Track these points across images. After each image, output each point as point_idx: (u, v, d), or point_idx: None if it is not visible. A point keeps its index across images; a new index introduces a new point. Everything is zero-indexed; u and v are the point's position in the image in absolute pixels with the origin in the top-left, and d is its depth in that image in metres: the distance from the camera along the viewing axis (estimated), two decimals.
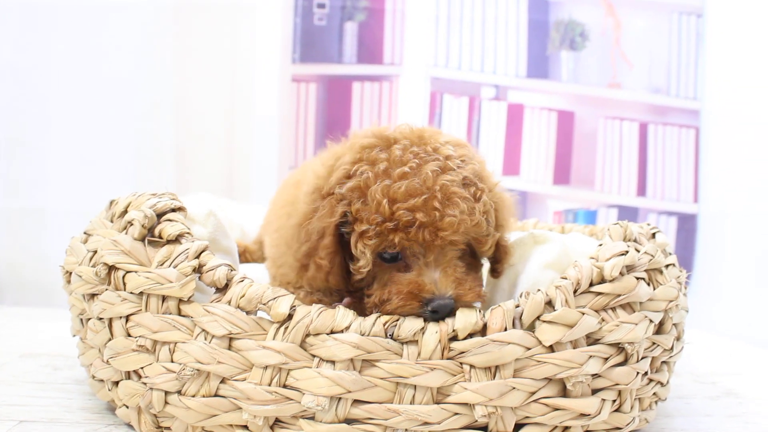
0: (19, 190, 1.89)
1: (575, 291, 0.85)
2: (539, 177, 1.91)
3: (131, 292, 0.87)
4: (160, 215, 0.90)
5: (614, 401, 0.88)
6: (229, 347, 0.83)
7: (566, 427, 0.85)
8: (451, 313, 0.85)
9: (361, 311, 0.88)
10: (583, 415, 0.84)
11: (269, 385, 0.81)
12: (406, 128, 0.94)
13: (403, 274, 0.89)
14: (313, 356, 0.81)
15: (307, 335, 0.82)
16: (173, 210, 0.92)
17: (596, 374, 0.85)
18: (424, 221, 0.86)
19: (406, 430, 0.81)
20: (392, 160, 0.89)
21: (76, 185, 1.88)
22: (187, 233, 0.89)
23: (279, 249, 1.04)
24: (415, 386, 0.81)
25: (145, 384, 0.87)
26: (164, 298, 0.86)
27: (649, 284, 0.90)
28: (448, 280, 0.87)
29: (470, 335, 0.82)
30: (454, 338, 0.82)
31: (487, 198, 0.90)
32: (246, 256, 1.37)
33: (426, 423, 0.80)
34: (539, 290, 0.85)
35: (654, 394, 0.96)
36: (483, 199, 0.89)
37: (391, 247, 0.88)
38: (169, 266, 0.86)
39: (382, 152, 0.90)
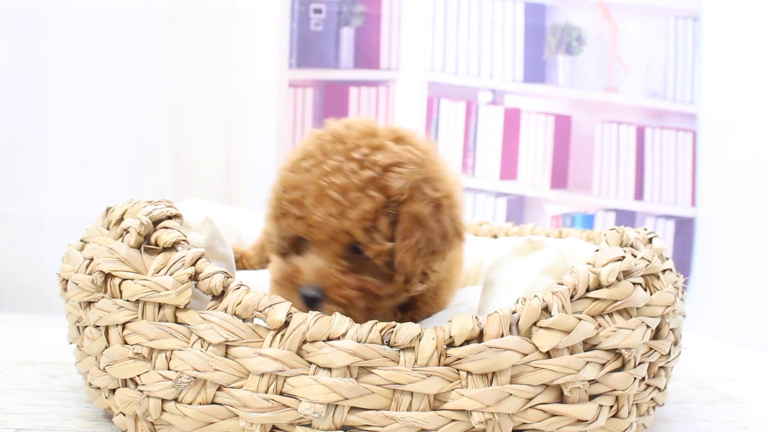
0: (16, 196, 1.89)
1: (572, 297, 0.84)
2: (536, 181, 1.91)
3: (127, 300, 0.87)
4: (156, 223, 0.90)
5: (611, 407, 0.87)
6: (226, 354, 0.83)
7: None
8: (317, 304, 0.90)
9: None
10: (580, 420, 0.84)
11: (266, 392, 0.81)
12: (365, 123, 0.96)
13: (297, 257, 0.95)
14: (310, 363, 0.81)
15: (304, 342, 0.82)
16: (169, 217, 0.92)
17: (593, 380, 0.85)
18: (298, 215, 0.92)
19: None
20: (306, 153, 0.94)
21: (74, 191, 1.88)
22: (183, 241, 0.89)
23: None
24: (411, 393, 0.80)
25: (141, 392, 0.86)
26: (160, 306, 0.86)
27: (645, 289, 0.90)
28: (318, 273, 0.91)
29: (467, 341, 0.82)
30: (451, 345, 0.81)
31: (371, 206, 0.90)
32: (243, 262, 1.37)
33: (423, 430, 0.80)
34: (536, 296, 0.84)
35: (651, 399, 0.96)
36: (364, 207, 0.89)
37: (282, 230, 0.95)
38: (165, 274, 0.86)
39: (310, 144, 0.95)
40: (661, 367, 0.96)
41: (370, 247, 0.91)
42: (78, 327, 0.98)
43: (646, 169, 1.91)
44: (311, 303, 0.90)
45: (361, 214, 0.89)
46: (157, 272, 0.86)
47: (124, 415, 0.90)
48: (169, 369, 0.85)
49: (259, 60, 1.90)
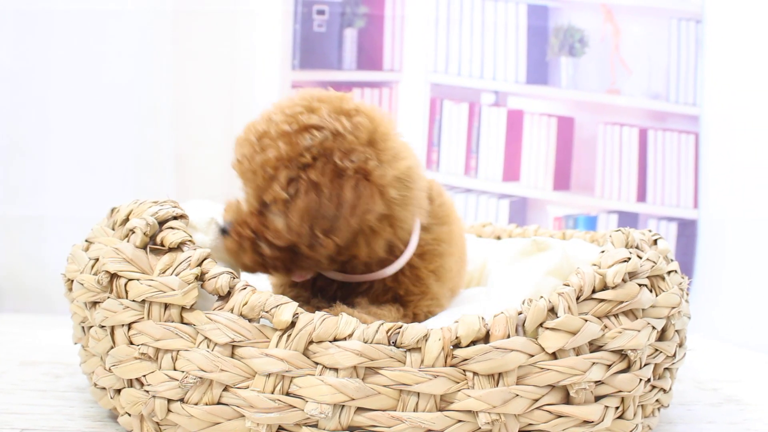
0: (18, 197, 1.88)
1: (578, 298, 0.85)
2: (539, 183, 1.91)
3: (133, 300, 0.87)
4: (161, 223, 0.90)
5: (617, 408, 0.87)
6: (232, 355, 0.83)
7: None
8: (226, 234, 0.99)
9: None
10: (586, 422, 0.84)
11: (272, 392, 0.81)
12: (336, 95, 1.01)
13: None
14: (316, 364, 0.81)
15: (310, 342, 0.82)
16: (175, 218, 0.92)
17: (599, 381, 0.85)
18: (234, 157, 1.01)
19: None
20: (271, 110, 1.00)
21: (76, 192, 1.88)
22: (189, 241, 0.89)
23: None
24: (418, 393, 0.81)
25: (147, 392, 0.86)
26: (166, 306, 0.86)
27: (651, 291, 0.90)
28: (230, 206, 1.02)
29: (473, 342, 0.82)
30: (457, 345, 0.81)
31: (272, 158, 0.94)
32: None
33: (429, 430, 0.80)
34: (542, 297, 0.85)
35: (657, 401, 0.96)
36: (266, 156, 0.95)
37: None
38: (171, 274, 0.86)
39: (279, 103, 1.01)
40: (666, 369, 0.96)
41: (267, 191, 0.95)
42: (83, 327, 0.98)
43: (649, 171, 1.91)
44: (222, 232, 1.00)
45: (265, 159, 0.95)
46: (163, 272, 0.86)
47: (129, 415, 0.90)
48: (175, 369, 0.85)
49: (261, 61, 1.90)
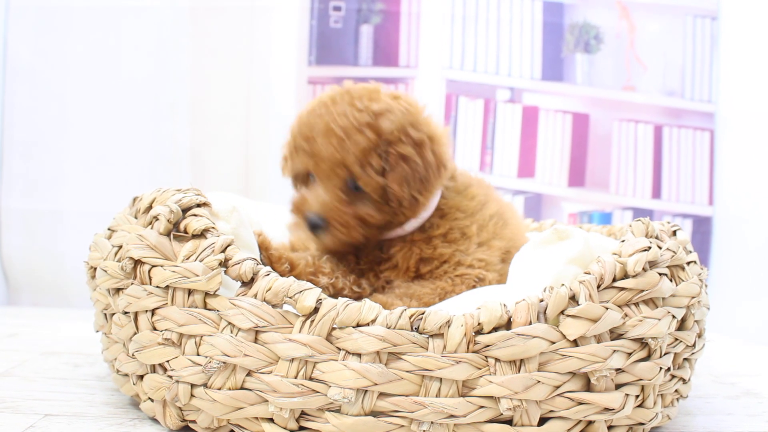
0: (36, 191, 1.90)
1: (599, 286, 0.85)
2: (554, 179, 1.91)
3: (157, 286, 0.88)
4: (185, 210, 0.91)
5: (637, 396, 0.88)
6: (255, 340, 0.84)
7: (590, 422, 0.85)
8: (318, 229, 1.10)
9: None
10: (607, 409, 0.84)
11: (295, 377, 0.82)
12: (371, 85, 1.14)
13: (305, 190, 1.14)
14: (339, 349, 0.82)
15: (333, 328, 0.82)
16: (198, 205, 0.93)
17: (620, 369, 0.85)
18: (309, 149, 1.10)
19: (431, 422, 0.81)
20: (319, 101, 1.12)
21: (93, 186, 1.89)
22: (212, 228, 0.90)
23: None
24: (440, 379, 0.81)
25: (170, 377, 0.87)
26: (190, 292, 0.87)
27: (671, 280, 0.90)
28: (319, 201, 1.10)
29: (495, 329, 0.82)
30: (479, 331, 0.82)
31: (367, 142, 1.07)
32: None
33: (451, 416, 0.81)
34: (563, 285, 0.85)
35: (676, 391, 0.96)
36: (362, 144, 1.07)
37: (294, 165, 1.14)
38: (195, 260, 0.86)
39: (325, 95, 1.13)
40: (685, 359, 0.96)
41: (364, 179, 1.08)
42: (105, 314, 0.99)
43: (664, 168, 1.91)
44: (315, 229, 1.10)
45: (357, 149, 1.07)
46: (187, 258, 0.87)
47: (152, 400, 0.91)
48: (198, 354, 0.85)
49: (278, 57, 1.91)
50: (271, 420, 0.84)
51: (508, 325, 0.82)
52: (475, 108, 1.92)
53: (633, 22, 1.91)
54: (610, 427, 0.88)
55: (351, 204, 1.10)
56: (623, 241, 0.91)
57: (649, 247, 0.89)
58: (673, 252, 0.91)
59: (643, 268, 0.87)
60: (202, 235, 0.89)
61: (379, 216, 1.11)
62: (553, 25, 1.90)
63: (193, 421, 0.88)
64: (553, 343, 0.83)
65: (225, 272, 0.87)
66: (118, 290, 0.93)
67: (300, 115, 1.14)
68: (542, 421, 0.84)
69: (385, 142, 1.08)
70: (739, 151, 1.89)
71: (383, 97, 1.11)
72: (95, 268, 0.99)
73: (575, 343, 0.83)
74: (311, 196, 1.11)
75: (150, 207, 0.94)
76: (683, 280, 0.92)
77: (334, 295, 1.01)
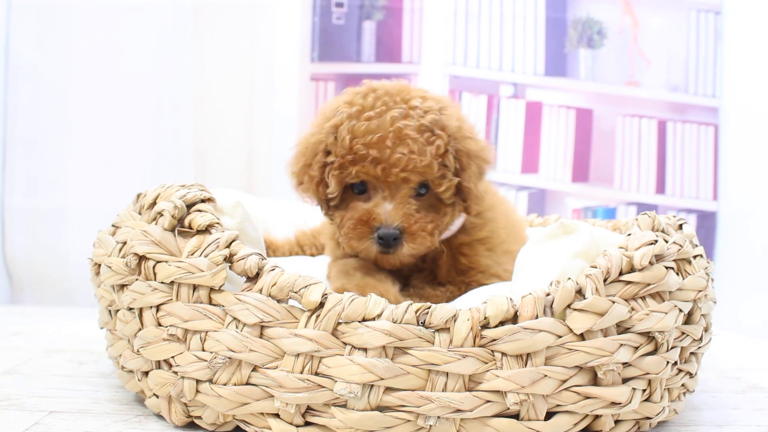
0: (38, 189, 1.90)
1: (605, 280, 0.84)
2: (558, 175, 1.91)
3: (162, 282, 0.88)
4: (189, 206, 0.91)
5: (644, 390, 0.87)
6: (261, 335, 0.83)
7: (597, 416, 0.85)
8: (397, 243, 1.02)
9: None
10: (613, 403, 0.84)
11: (301, 372, 0.81)
12: (394, 82, 1.08)
13: (363, 203, 1.04)
14: (345, 344, 0.81)
15: (339, 323, 0.82)
16: (203, 201, 0.92)
17: (627, 363, 0.85)
18: (377, 156, 1.00)
19: (438, 417, 0.81)
20: (365, 105, 1.04)
21: (96, 184, 1.90)
22: (217, 223, 0.89)
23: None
24: (447, 374, 0.81)
25: (176, 373, 0.87)
26: (195, 288, 0.86)
27: (678, 274, 0.90)
28: (396, 213, 1.02)
29: (502, 323, 0.82)
30: (486, 326, 0.81)
31: (442, 143, 1.02)
32: (276, 252, 1.37)
33: (458, 410, 0.80)
34: (569, 279, 0.84)
35: (683, 385, 0.95)
36: (437, 143, 1.02)
37: (351, 177, 1.03)
38: (200, 256, 0.86)
39: (362, 98, 1.05)
40: (692, 353, 0.96)
41: (441, 183, 1.03)
42: (110, 311, 0.99)
43: (668, 163, 1.91)
44: (389, 243, 1.02)
45: (436, 150, 1.02)
46: (192, 254, 0.87)
47: (157, 396, 0.91)
48: (203, 350, 0.85)
49: (280, 54, 1.91)
50: (277, 415, 0.84)
51: (514, 319, 0.82)
52: (479, 104, 1.91)
53: (636, 17, 1.90)
54: (616, 422, 0.87)
55: (424, 211, 1.05)
56: (629, 234, 0.91)
57: (656, 241, 0.88)
58: (680, 245, 0.91)
59: (650, 262, 0.86)
60: (206, 230, 0.89)
61: (449, 219, 1.08)
62: (556, 20, 1.90)
63: (199, 417, 0.88)
64: (560, 337, 0.82)
65: (230, 267, 0.86)
66: (122, 286, 0.93)
67: (341, 122, 1.04)
68: (549, 415, 0.83)
69: (453, 140, 1.04)
70: (743, 145, 1.88)
71: (423, 93, 1.08)
72: (99, 265, 0.99)
73: (582, 337, 0.83)
74: (382, 209, 1.02)
75: (154, 203, 0.94)
76: (690, 274, 0.92)
77: None
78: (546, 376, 0.81)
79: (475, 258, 1.12)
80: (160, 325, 0.88)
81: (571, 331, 0.83)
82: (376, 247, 1.02)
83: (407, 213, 1.02)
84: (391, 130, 1.00)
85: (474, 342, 0.81)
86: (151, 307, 0.89)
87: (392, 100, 1.03)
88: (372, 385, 0.81)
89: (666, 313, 0.86)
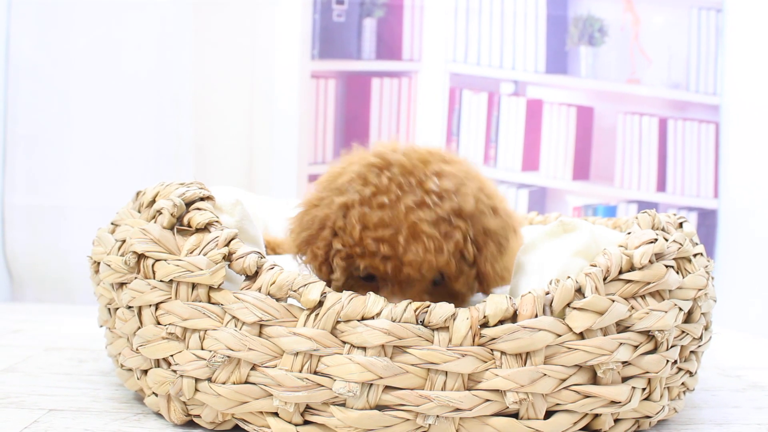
0: (39, 186, 1.90)
1: (605, 278, 0.84)
2: (558, 173, 1.91)
3: (161, 280, 0.87)
4: (188, 204, 0.91)
5: (644, 389, 0.87)
6: (260, 334, 0.83)
7: (596, 415, 0.85)
8: None
9: None
10: (613, 402, 0.84)
11: (300, 371, 0.81)
12: (409, 152, 0.95)
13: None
14: (344, 343, 0.81)
15: (338, 322, 0.82)
16: (202, 199, 0.92)
17: (626, 362, 0.85)
18: (388, 254, 0.89)
19: (437, 416, 0.80)
20: (379, 187, 0.91)
21: (96, 182, 1.89)
22: (216, 222, 0.89)
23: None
24: (446, 372, 0.80)
25: (175, 372, 0.87)
26: (194, 286, 0.86)
27: (678, 273, 0.90)
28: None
29: (501, 322, 0.81)
30: (485, 324, 0.81)
31: (460, 235, 0.90)
32: (277, 251, 1.37)
33: (457, 409, 0.80)
34: (569, 277, 0.84)
35: (683, 384, 0.95)
36: (456, 238, 0.90)
37: (358, 271, 0.92)
38: (199, 254, 0.86)
39: (376, 176, 0.92)
40: (692, 352, 0.95)
41: (459, 277, 0.92)
42: (109, 309, 0.99)
43: (669, 161, 1.91)
44: None
45: (455, 245, 0.90)
46: (191, 252, 0.86)
47: (156, 395, 0.91)
48: (202, 348, 0.85)
49: (281, 51, 1.90)
50: (276, 414, 0.84)
51: (513, 317, 0.82)
52: (479, 101, 1.91)
53: (637, 15, 1.90)
54: (616, 420, 0.87)
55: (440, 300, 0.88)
56: (629, 233, 0.90)
57: (656, 239, 0.88)
58: (680, 244, 0.91)
59: (650, 261, 0.86)
60: (205, 228, 0.88)
61: (462, 303, 0.94)
62: (556, 17, 1.90)
63: (198, 416, 0.88)
64: (560, 335, 0.82)
65: (229, 266, 0.86)
66: (121, 285, 0.93)
67: (351, 204, 0.92)
68: (548, 414, 0.83)
69: (471, 224, 0.92)
70: (744, 143, 1.88)
71: (442, 166, 0.94)
72: (98, 263, 0.99)
73: (581, 335, 0.83)
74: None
75: (153, 201, 0.93)
76: (690, 272, 0.91)
77: None
78: (545, 375, 0.81)
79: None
80: (159, 323, 0.88)
81: (570, 329, 0.82)
82: None
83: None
84: (406, 226, 0.88)
85: (473, 341, 0.81)
86: (150, 305, 0.88)
87: (407, 182, 0.90)
88: (371, 384, 0.80)
89: (666, 312, 0.86)
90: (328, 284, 0.93)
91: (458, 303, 0.90)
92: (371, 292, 0.84)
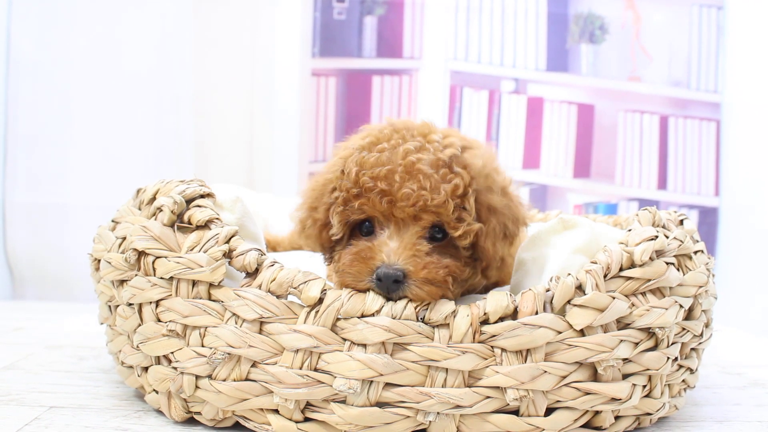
0: (40, 185, 1.90)
1: (605, 275, 0.84)
2: (559, 170, 1.91)
3: (161, 278, 0.87)
4: (189, 201, 0.91)
5: (644, 386, 0.87)
6: (260, 331, 0.83)
7: (597, 412, 0.85)
8: (397, 287, 0.84)
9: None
10: (613, 399, 0.84)
11: (300, 368, 0.81)
12: (422, 123, 0.96)
13: (365, 242, 0.90)
14: (344, 340, 0.81)
15: (338, 319, 0.82)
16: (202, 196, 0.92)
17: (627, 359, 0.85)
18: (384, 189, 0.88)
19: (437, 413, 0.81)
20: (380, 138, 0.93)
21: (97, 180, 1.89)
22: (216, 219, 0.89)
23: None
24: (446, 369, 0.81)
25: (175, 369, 0.87)
26: (194, 283, 0.86)
27: (678, 270, 0.90)
28: (401, 253, 0.86)
29: (501, 319, 0.81)
30: (485, 321, 0.81)
31: (461, 182, 0.89)
32: (277, 249, 1.37)
33: (458, 406, 0.80)
34: (569, 274, 0.84)
35: (683, 381, 0.95)
36: (455, 182, 0.88)
37: (355, 213, 0.90)
38: (199, 251, 0.86)
39: (378, 131, 0.94)
40: (693, 349, 0.95)
41: (458, 226, 0.89)
42: (110, 306, 0.99)
43: (670, 159, 1.90)
44: (388, 286, 0.84)
45: (453, 189, 0.88)
46: (191, 250, 0.86)
47: (157, 392, 0.91)
48: (203, 345, 0.85)
49: (281, 49, 1.90)
50: (277, 411, 0.84)
51: (514, 315, 0.82)
52: (480, 99, 1.91)
53: (638, 12, 1.90)
54: (617, 417, 0.87)
55: (438, 256, 0.88)
56: (630, 230, 0.90)
57: (656, 236, 0.88)
58: (680, 241, 0.91)
59: (650, 258, 0.86)
60: (206, 226, 0.88)
61: (468, 273, 0.92)
62: (557, 15, 1.89)
63: (198, 413, 0.88)
64: (560, 332, 0.82)
65: (229, 263, 0.86)
66: (122, 282, 0.92)
67: (350, 154, 0.92)
68: (549, 411, 0.83)
69: (476, 183, 0.91)
70: (745, 141, 1.88)
71: (450, 132, 0.96)
72: (99, 260, 0.99)
73: (582, 332, 0.83)
74: (385, 247, 0.87)
75: (153, 198, 0.93)
76: (690, 270, 0.91)
77: None
78: (546, 372, 0.81)
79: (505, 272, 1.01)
80: (159, 320, 0.88)
81: (571, 326, 0.82)
82: (376, 289, 0.85)
83: (414, 254, 0.86)
84: (402, 163, 0.88)
85: (473, 338, 0.81)
86: (151, 302, 0.89)
87: (410, 134, 0.92)
88: (371, 381, 0.80)
89: (666, 309, 0.86)
90: (331, 250, 0.94)
91: (460, 270, 0.90)
92: (371, 291, 0.84)
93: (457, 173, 0.89)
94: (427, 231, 0.89)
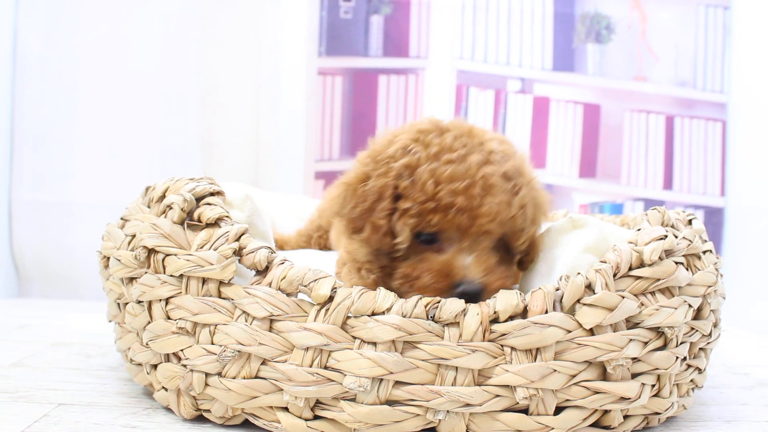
0: (45, 183, 1.90)
1: (615, 275, 0.84)
2: (565, 170, 1.91)
3: (171, 275, 0.88)
4: (198, 199, 0.91)
5: (653, 386, 0.87)
6: (270, 329, 0.83)
7: (606, 411, 0.85)
8: (477, 299, 0.85)
9: (387, 286, 0.89)
10: (623, 398, 0.84)
11: (310, 366, 0.81)
12: (458, 121, 0.97)
13: (437, 255, 0.90)
14: (355, 338, 0.81)
15: (349, 317, 0.82)
16: (212, 194, 0.92)
17: (636, 358, 0.85)
18: (464, 206, 0.88)
19: (447, 411, 0.81)
20: (443, 146, 0.91)
21: (103, 178, 1.90)
22: (226, 217, 0.89)
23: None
24: (456, 368, 0.81)
25: (185, 366, 0.87)
26: (204, 281, 0.86)
27: (687, 269, 0.90)
28: (479, 267, 0.88)
29: (511, 317, 0.82)
30: (495, 320, 0.81)
31: (525, 193, 0.92)
32: (285, 248, 1.37)
33: (467, 405, 0.80)
34: (579, 274, 0.84)
35: (691, 381, 0.95)
36: (521, 193, 0.91)
37: (429, 227, 0.89)
38: (210, 249, 0.86)
39: (436, 137, 0.93)
40: (701, 349, 0.96)
41: (521, 236, 0.92)
42: (119, 304, 0.99)
43: (676, 159, 1.90)
44: (472, 301, 0.85)
45: (521, 201, 0.91)
46: (201, 247, 0.87)
47: (166, 390, 0.91)
48: (213, 343, 0.85)
49: (287, 48, 1.90)
50: (286, 409, 0.84)
51: (524, 313, 0.82)
52: (486, 98, 1.91)
53: (644, 12, 1.90)
54: (625, 417, 0.87)
55: (503, 266, 0.92)
56: (639, 229, 0.90)
57: (666, 236, 0.88)
58: (690, 241, 0.91)
59: (660, 257, 0.86)
60: (216, 223, 0.89)
61: (512, 275, 0.95)
62: (564, 15, 1.89)
63: (208, 411, 0.88)
64: (569, 331, 0.82)
65: (239, 261, 0.86)
66: (131, 279, 0.93)
67: (417, 163, 0.91)
68: (558, 410, 0.83)
69: (530, 189, 0.94)
70: (751, 141, 1.88)
71: (494, 136, 0.97)
72: (108, 258, 0.99)
73: (591, 331, 0.83)
74: (462, 262, 0.88)
75: (163, 196, 0.93)
76: (699, 269, 0.91)
77: None
78: (555, 370, 0.81)
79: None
80: (169, 318, 0.88)
81: (580, 325, 0.82)
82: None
83: (489, 267, 0.89)
84: (480, 178, 0.88)
85: (483, 336, 0.81)
86: (160, 300, 0.89)
87: (470, 142, 0.92)
88: (381, 379, 0.81)
89: (675, 309, 0.86)
90: (389, 255, 0.92)
91: (515, 276, 0.95)
92: (381, 288, 0.84)
93: (520, 184, 0.92)
94: (494, 242, 0.91)
